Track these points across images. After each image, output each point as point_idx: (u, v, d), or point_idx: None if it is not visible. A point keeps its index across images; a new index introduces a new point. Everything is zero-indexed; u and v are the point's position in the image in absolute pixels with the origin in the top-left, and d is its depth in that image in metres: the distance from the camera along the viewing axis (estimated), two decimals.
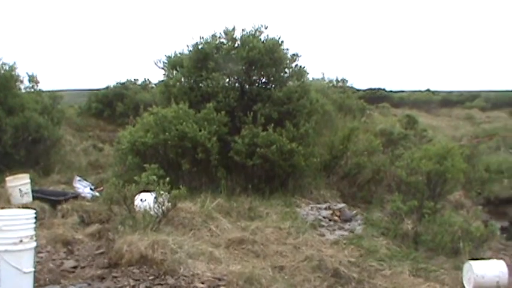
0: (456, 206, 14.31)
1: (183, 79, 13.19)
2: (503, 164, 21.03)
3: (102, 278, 6.79)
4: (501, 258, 8.65)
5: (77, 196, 11.18)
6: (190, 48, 13.29)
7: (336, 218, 10.91)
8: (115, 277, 6.76)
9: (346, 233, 10.06)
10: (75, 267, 7.28)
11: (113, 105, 25.50)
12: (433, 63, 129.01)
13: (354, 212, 11.51)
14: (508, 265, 8.15)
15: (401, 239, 9.77)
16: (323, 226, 10.38)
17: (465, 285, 7.88)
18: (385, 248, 9.22)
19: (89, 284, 6.58)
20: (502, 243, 11.32)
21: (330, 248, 8.76)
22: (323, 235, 9.79)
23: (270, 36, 13.08)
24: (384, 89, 55.50)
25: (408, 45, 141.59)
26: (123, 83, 27.31)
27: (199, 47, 13.09)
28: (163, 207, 8.49)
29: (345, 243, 9.27)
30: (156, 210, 8.46)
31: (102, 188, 12.08)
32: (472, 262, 7.95)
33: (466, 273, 7.92)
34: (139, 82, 28.56)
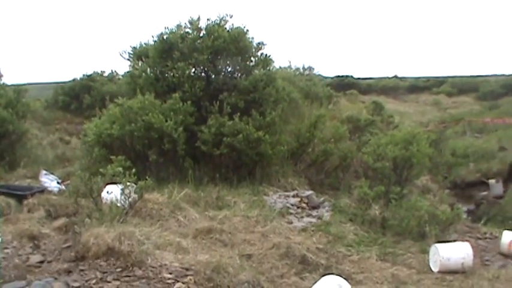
0: (423, 190, 14.49)
1: (148, 70, 13.07)
2: (469, 148, 21.41)
3: (69, 272, 6.72)
4: (466, 241, 8.78)
5: (43, 190, 11.03)
6: (155, 39, 13.18)
7: (304, 205, 10.94)
8: (82, 270, 6.70)
9: (314, 220, 10.09)
10: (41, 262, 7.18)
11: (80, 97, 25.45)
12: (400, 49, 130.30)
13: (322, 198, 11.54)
14: (473, 247, 8.30)
15: (369, 224, 9.88)
16: (291, 213, 10.40)
17: (431, 267, 8.01)
18: (353, 234, 9.34)
19: (56, 278, 6.50)
20: (468, 225, 11.45)
21: (298, 235, 8.81)
22: (291, 222, 9.82)
23: (235, 25, 13.03)
24: (351, 76, 55.99)
25: (376, 32, 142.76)
26: (90, 75, 27.21)
27: (164, 37, 12.99)
28: (130, 199, 8.44)
29: (313, 230, 9.33)
30: (122, 202, 8.41)
31: (69, 181, 11.96)
32: (438, 245, 8.09)
33: (433, 255, 8.06)
34: (106, 74, 28.44)
